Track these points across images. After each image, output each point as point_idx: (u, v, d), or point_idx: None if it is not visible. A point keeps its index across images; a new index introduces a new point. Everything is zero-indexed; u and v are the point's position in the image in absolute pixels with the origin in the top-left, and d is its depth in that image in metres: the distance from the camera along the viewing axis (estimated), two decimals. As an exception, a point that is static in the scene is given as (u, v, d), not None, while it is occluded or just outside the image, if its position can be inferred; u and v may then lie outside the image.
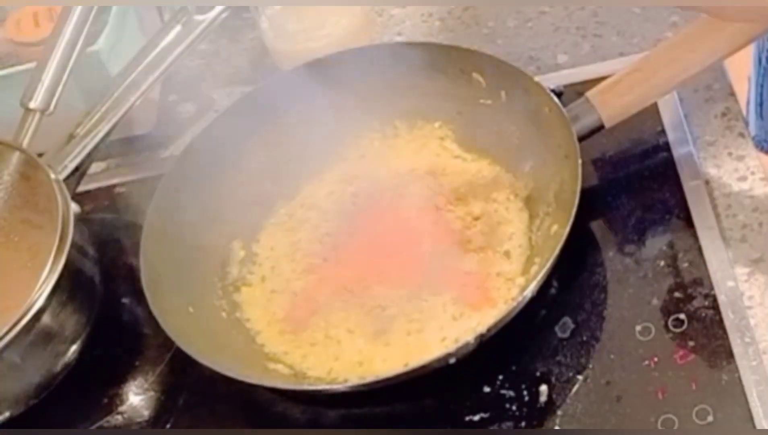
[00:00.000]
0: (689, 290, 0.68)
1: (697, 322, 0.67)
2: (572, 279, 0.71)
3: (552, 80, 0.82)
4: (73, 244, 0.71)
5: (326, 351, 0.71)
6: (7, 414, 0.72)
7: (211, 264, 0.76)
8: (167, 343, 0.68)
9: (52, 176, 0.74)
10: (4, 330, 0.67)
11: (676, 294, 0.69)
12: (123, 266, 0.79)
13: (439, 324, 0.70)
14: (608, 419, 0.64)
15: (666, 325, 0.67)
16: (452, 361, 0.64)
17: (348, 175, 0.81)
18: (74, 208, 0.73)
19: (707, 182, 0.74)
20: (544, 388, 0.67)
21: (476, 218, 0.75)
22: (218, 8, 0.81)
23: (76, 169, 0.78)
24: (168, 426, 0.72)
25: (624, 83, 0.72)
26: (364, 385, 0.67)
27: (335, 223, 0.78)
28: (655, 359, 0.66)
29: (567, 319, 0.70)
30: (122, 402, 0.74)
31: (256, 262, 0.78)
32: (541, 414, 0.66)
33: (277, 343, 0.72)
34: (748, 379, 0.63)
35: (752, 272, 0.69)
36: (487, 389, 0.68)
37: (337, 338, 0.71)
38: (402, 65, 0.80)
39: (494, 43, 0.90)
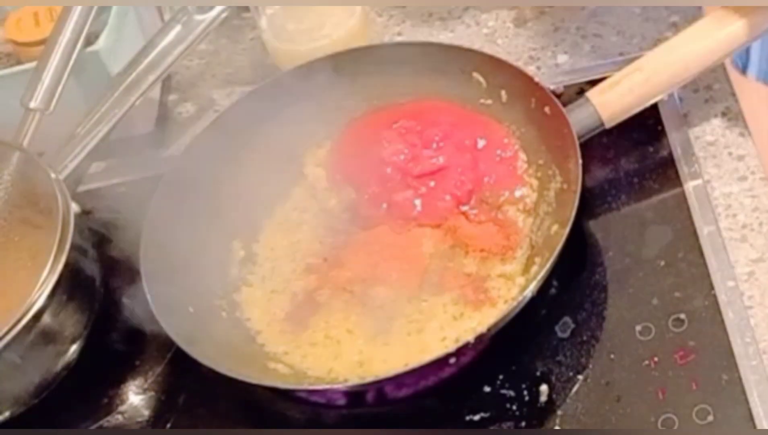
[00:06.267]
0: (689, 290, 0.68)
1: (697, 322, 0.67)
2: (572, 279, 0.71)
3: (552, 80, 0.82)
4: (73, 244, 0.71)
5: (326, 351, 0.71)
6: (7, 414, 0.72)
7: (211, 264, 0.76)
8: (167, 343, 0.68)
9: (53, 176, 0.74)
10: (4, 330, 0.67)
11: (676, 294, 0.69)
12: (123, 266, 0.79)
13: (439, 324, 0.70)
14: (608, 419, 0.64)
15: (666, 325, 0.67)
16: (452, 361, 0.64)
17: (348, 175, 0.81)
18: (74, 208, 0.73)
19: (707, 182, 0.74)
20: (544, 387, 0.67)
21: (476, 218, 0.75)
22: (218, 8, 0.81)
23: (76, 168, 0.78)
24: (168, 426, 0.72)
25: (624, 83, 0.72)
26: (364, 385, 0.67)
27: (335, 223, 0.78)
28: (655, 359, 0.66)
29: (567, 319, 0.70)
30: (122, 402, 0.74)
31: (256, 262, 0.78)
32: (541, 414, 0.66)
33: (277, 343, 0.72)
34: (748, 378, 0.63)
35: (752, 272, 0.69)
36: (487, 389, 0.68)
37: (337, 338, 0.71)
38: (402, 65, 0.80)
39: (494, 43, 0.90)
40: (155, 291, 0.70)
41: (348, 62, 0.81)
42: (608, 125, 0.73)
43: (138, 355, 0.76)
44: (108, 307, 0.76)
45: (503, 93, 0.77)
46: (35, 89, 0.79)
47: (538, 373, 0.67)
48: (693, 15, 0.86)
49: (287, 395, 0.71)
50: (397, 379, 0.67)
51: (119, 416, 0.73)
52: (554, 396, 0.66)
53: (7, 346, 0.67)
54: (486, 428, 0.66)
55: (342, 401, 0.70)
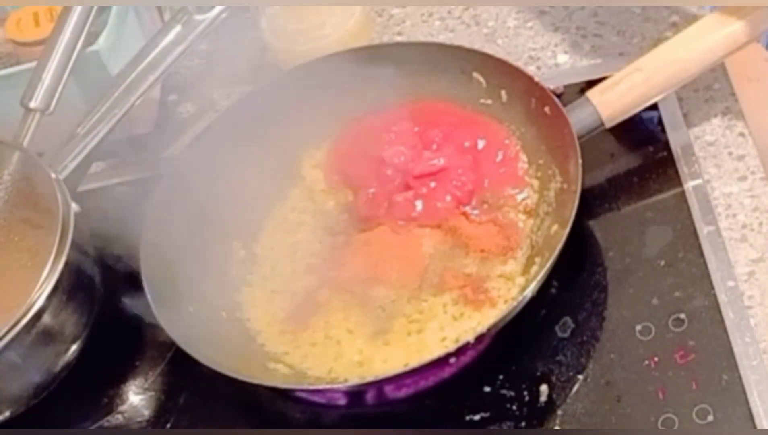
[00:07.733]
0: (689, 290, 0.68)
1: (697, 322, 0.67)
2: (572, 279, 0.71)
3: (552, 80, 0.82)
4: (73, 244, 0.71)
5: (326, 351, 0.71)
6: (7, 414, 0.72)
7: (211, 264, 0.76)
8: (167, 343, 0.69)
9: (53, 176, 0.74)
10: (4, 330, 0.67)
11: (676, 294, 0.69)
12: (123, 266, 0.79)
13: (439, 324, 0.70)
14: (608, 419, 0.64)
15: (666, 325, 0.67)
16: (452, 361, 0.64)
17: (348, 175, 0.81)
18: (74, 208, 0.73)
19: (707, 182, 0.74)
20: (544, 387, 0.67)
21: (477, 219, 0.75)
22: (218, 8, 0.81)
23: (76, 168, 0.78)
24: (168, 426, 0.72)
25: (624, 83, 0.72)
26: (364, 385, 0.67)
27: (334, 223, 0.78)
28: (655, 359, 0.66)
29: (567, 319, 0.70)
30: (122, 402, 0.74)
31: (256, 262, 0.78)
32: (541, 414, 0.66)
33: (277, 343, 0.72)
34: (748, 378, 0.63)
35: (752, 272, 0.69)
36: (487, 389, 0.68)
37: (337, 338, 0.71)
38: (402, 65, 0.80)
39: (494, 43, 0.90)
40: (155, 291, 0.70)
41: (348, 62, 0.81)
42: (608, 125, 0.73)
43: (138, 355, 0.76)
44: (108, 307, 0.76)
45: (503, 93, 0.77)
46: (35, 89, 0.79)
47: (538, 373, 0.67)
48: (693, 15, 0.86)
49: (287, 395, 0.71)
50: (397, 379, 0.67)
51: (119, 416, 0.73)
52: (554, 396, 0.66)
53: (7, 346, 0.67)
54: (486, 428, 0.66)
55: (342, 401, 0.70)
